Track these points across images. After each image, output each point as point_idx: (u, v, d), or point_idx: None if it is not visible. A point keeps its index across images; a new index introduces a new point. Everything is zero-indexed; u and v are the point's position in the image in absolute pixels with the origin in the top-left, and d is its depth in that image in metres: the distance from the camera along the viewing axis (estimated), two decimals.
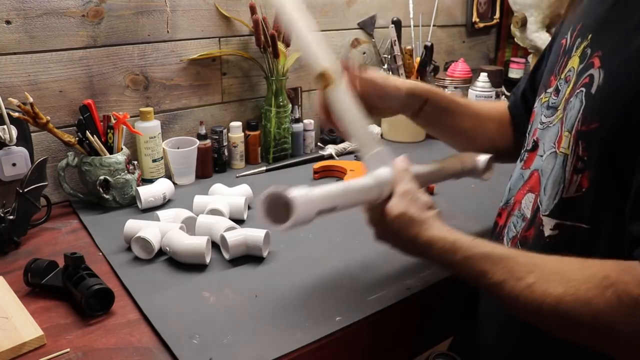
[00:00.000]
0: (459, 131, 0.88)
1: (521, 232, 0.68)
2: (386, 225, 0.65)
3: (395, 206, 0.65)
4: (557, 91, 0.67)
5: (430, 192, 1.11)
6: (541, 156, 0.66)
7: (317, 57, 0.70)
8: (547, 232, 0.62)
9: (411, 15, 1.53)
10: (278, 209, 0.58)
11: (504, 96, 1.67)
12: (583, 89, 0.58)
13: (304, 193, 0.58)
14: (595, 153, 0.56)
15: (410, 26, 1.53)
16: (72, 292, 0.72)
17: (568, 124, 0.60)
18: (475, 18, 1.76)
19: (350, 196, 0.65)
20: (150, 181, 1.11)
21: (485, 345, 0.76)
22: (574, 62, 0.63)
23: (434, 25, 1.58)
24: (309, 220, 0.59)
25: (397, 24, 1.43)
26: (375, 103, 0.77)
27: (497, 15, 1.83)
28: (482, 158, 0.83)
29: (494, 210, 0.80)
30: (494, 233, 0.78)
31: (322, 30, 1.39)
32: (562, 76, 0.66)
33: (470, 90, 1.40)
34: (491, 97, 1.37)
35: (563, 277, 0.51)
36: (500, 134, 0.89)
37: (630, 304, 0.47)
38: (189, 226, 0.91)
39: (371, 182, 0.66)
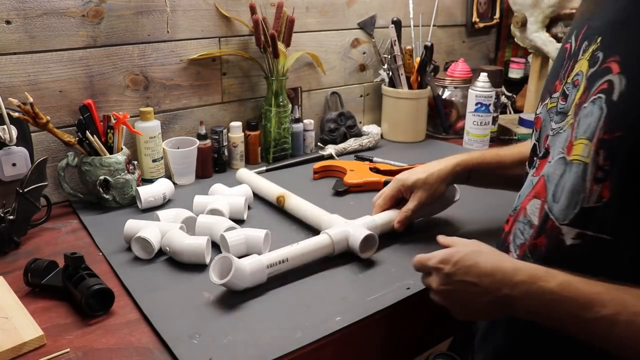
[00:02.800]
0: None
1: (529, 240, 0.65)
2: (457, 262, 0.62)
3: (466, 244, 0.65)
4: (564, 96, 0.65)
5: None
6: (550, 162, 0.64)
7: (272, 189, 1.05)
8: (568, 241, 0.59)
9: (411, 15, 1.53)
10: (224, 268, 0.73)
11: (503, 96, 1.67)
12: (602, 96, 0.56)
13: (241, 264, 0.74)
14: (618, 163, 0.53)
15: (410, 26, 1.53)
16: (72, 292, 0.72)
17: (587, 131, 0.56)
18: (475, 18, 1.77)
19: (304, 257, 0.81)
20: (150, 181, 1.11)
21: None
22: (582, 66, 0.62)
23: (434, 25, 1.58)
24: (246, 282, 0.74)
25: (397, 24, 1.43)
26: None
27: (497, 15, 1.83)
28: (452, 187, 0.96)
29: (495, 209, 0.80)
30: (500, 238, 0.75)
31: (322, 30, 1.40)
32: (569, 80, 0.64)
33: (470, 90, 1.40)
34: (491, 97, 1.37)
35: None
36: None
37: None
38: (189, 226, 0.91)
39: (326, 238, 0.83)
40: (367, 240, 0.84)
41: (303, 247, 0.81)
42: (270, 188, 1.06)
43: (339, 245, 0.84)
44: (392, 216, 0.92)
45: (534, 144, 0.72)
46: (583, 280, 0.53)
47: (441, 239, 0.71)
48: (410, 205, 0.89)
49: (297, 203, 0.99)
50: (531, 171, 0.71)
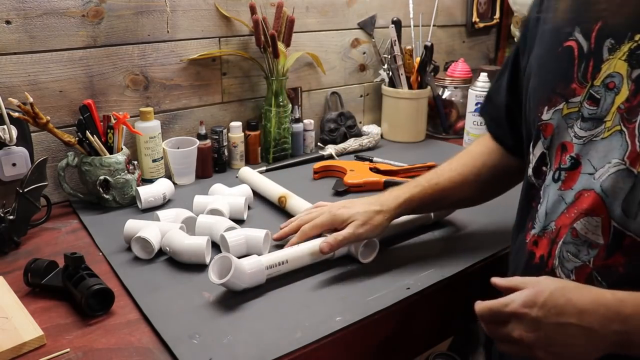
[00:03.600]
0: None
1: (594, 262, 0.58)
2: (545, 303, 0.53)
3: (544, 281, 0.55)
4: (593, 100, 0.59)
5: None
6: (591, 174, 0.58)
7: (274, 190, 1.05)
8: None
9: (411, 15, 1.53)
10: (224, 268, 0.73)
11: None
12: None
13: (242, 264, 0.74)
14: None
15: (410, 26, 1.53)
16: (72, 292, 0.72)
17: None
18: (475, 18, 1.77)
19: (304, 259, 0.81)
20: (150, 181, 1.11)
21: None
22: (618, 67, 0.57)
23: (434, 25, 1.58)
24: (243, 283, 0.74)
25: (397, 24, 1.43)
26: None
27: (497, 15, 1.83)
28: None
29: (494, 209, 0.79)
30: (529, 264, 0.66)
31: (322, 30, 1.40)
32: (598, 83, 0.59)
33: (470, 90, 1.40)
34: None
35: None
36: (495, 173, 0.85)
37: None
38: (189, 226, 0.91)
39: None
40: (367, 245, 0.84)
41: (303, 249, 0.81)
42: (272, 188, 1.06)
43: (339, 249, 0.84)
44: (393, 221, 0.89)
45: (543, 153, 0.66)
46: None
47: (501, 282, 0.58)
48: (345, 233, 0.80)
49: (298, 204, 0.99)
50: (555, 185, 0.63)
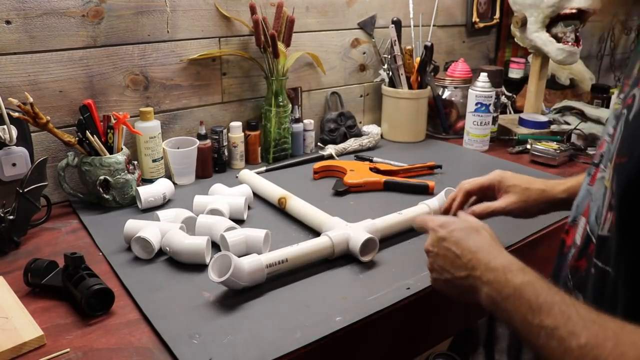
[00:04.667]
0: None
1: (571, 261, 0.61)
2: (453, 230, 0.64)
3: (475, 220, 0.65)
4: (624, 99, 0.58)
5: (431, 192, 1.11)
6: (597, 177, 0.59)
7: (274, 191, 1.05)
8: (592, 269, 0.55)
9: (411, 15, 1.53)
10: (224, 266, 0.74)
11: (503, 96, 1.67)
12: (625, 112, 0.51)
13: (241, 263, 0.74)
14: (620, 190, 0.48)
15: (410, 26, 1.53)
16: (72, 292, 0.72)
17: (611, 151, 0.52)
18: (475, 18, 1.76)
19: (303, 258, 0.81)
20: (150, 181, 1.11)
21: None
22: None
23: (434, 25, 1.58)
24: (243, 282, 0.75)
25: (397, 24, 1.43)
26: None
27: (497, 15, 1.83)
28: None
29: (504, 227, 0.78)
30: (561, 251, 0.68)
31: (322, 30, 1.40)
32: (630, 82, 0.57)
33: (470, 90, 1.40)
34: (491, 97, 1.37)
35: (617, 349, 0.42)
36: None
37: None
38: (189, 226, 0.91)
39: (327, 240, 0.83)
40: (367, 244, 0.84)
41: (303, 248, 0.81)
42: (272, 189, 1.06)
43: (339, 247, 0.84)
44: (393, 220, 0.91)
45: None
46: (548, 287, 0.51)
47: (461, 213, 0.73)
48: (497, 204, 0.81)
49: (298, 205, 0.99)
50: (587, 179, 0.64)
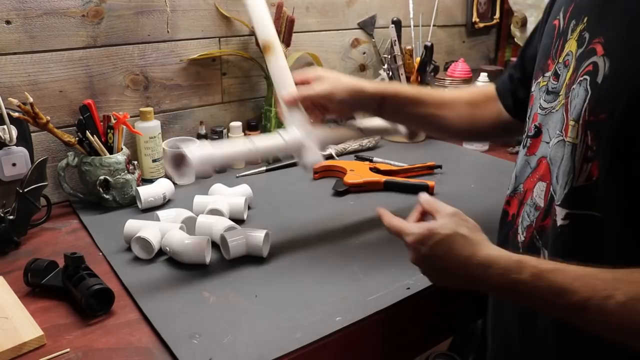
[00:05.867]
0: (426, 122, 0.91)
1: (536, 222, 0.65)
2: (433, 246, 0.62)
3: (445, 225, 0.62)
4: (556, 75, 0.65)
5: (431, 192, 1.11)
6: (547, 143, 0.65)
7: (263, 29, 0.89)
8: (559, 222, 0.60)
9: (411, 15, 1.53)
10: (182, 165, 0.73)
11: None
12: (587, 77, 0.57)
13: (203, 153, 0.73)
14: (604, 143, 0.54)
15: (410, 26, 1.53)
16: (72, 292, 0.72)
17: (574, 112, 0.58)
18: (475, 18, 1.76)
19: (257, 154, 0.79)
20: (150, 181, 1.11)
21: (505, 345, 0.74)
22: (572, 46, 0.62)
23: (434, 25, 1.58)
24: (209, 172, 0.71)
25: (397, 24, 1.43)
26: (327, 105, 0.85)
27: (497, 15, 1.83)
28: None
29: (494, 209, 0.80)
30: (504, 221, 0.75)
31: (322, 30, 1.40)
32: (560, 60, 0.65)
33: None
34: None
35: None
36: (475, 116, 0.90)
37: None
38: (189, 226, 0.91)
39: (280, 141, 0.79)
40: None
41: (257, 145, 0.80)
42: (264, 26, 0.93)
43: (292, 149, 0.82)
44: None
45: (527, 121, 0.72)
46: (553, 269, 0.54)
47: (424, 203, 0.68)
48: (316, 87, 0.83)
49: (279, 66, 0.89)
50: (523, 150, 0.70)
